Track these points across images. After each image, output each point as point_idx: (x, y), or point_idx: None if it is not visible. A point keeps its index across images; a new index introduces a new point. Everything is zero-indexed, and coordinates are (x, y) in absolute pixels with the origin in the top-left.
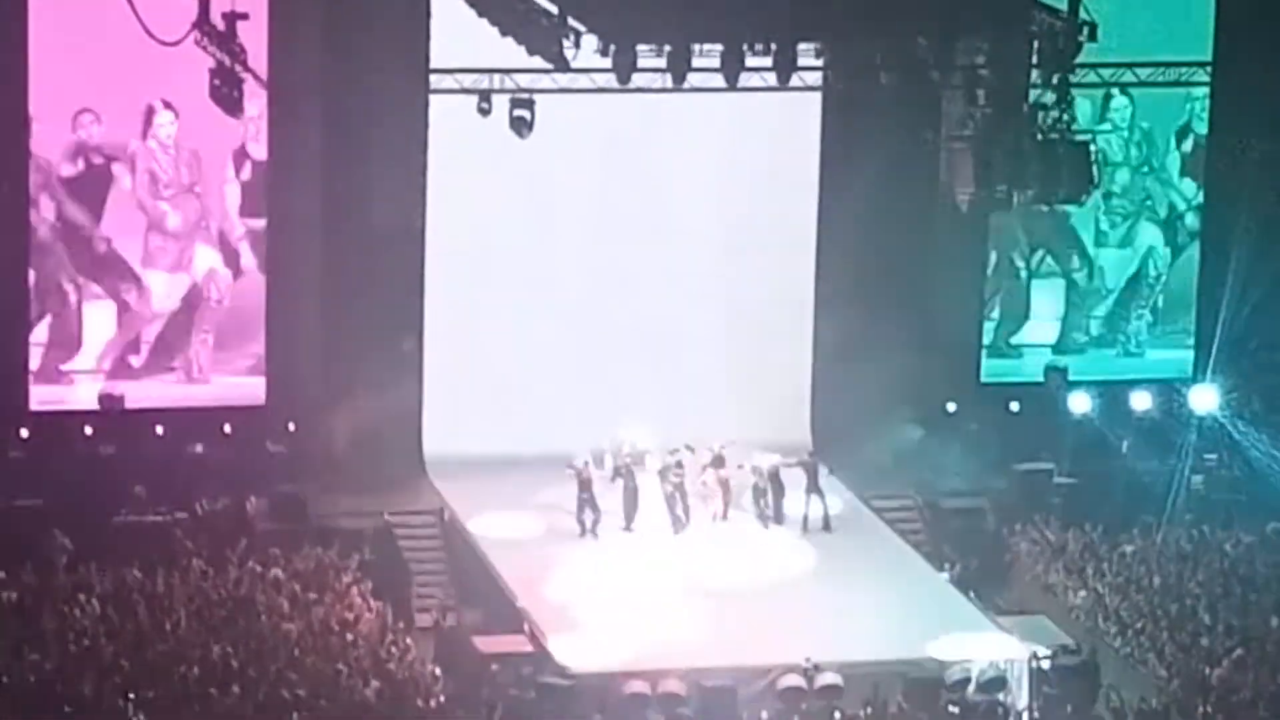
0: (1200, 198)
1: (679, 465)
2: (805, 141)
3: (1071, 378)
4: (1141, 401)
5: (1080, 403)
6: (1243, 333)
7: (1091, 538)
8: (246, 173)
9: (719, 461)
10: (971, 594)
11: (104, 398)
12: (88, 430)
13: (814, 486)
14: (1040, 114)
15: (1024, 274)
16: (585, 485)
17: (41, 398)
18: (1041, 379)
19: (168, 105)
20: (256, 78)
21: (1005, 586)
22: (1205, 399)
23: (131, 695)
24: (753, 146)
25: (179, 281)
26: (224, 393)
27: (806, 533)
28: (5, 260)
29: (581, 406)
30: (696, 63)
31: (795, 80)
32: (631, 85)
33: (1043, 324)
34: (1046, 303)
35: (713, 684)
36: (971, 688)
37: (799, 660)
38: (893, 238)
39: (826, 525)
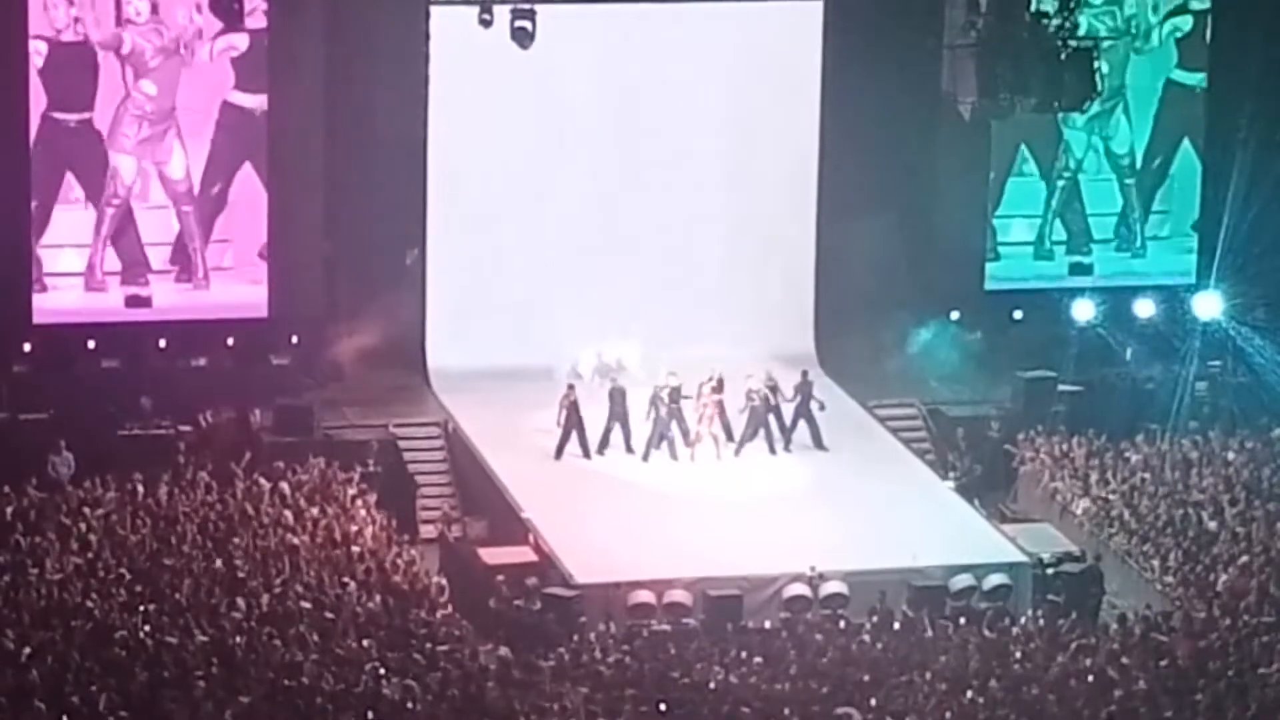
0: (1203, 93)
1: (671, 392)
2: (807, 51)
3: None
4: (1145, 308)
5: (1083, 310)
6: (1246, 237)
7: (1096, 445)
8: (246, 81)
9: (719, 385)
10: (976, 502)
11: (130, 298)
12: (90, 344)
13: (807, 406)
14: (1042, 21)
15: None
16: (574, 407)
17: (45, 310)
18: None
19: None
20: None
21: (1010, 494)
22: (1209, 305)
23: (138, 609)
24: (755, 56)
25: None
26: (226, 304)
27: (806, 447)
28: (5, 171)
29: (585, 318)
30: None
31: None
32: None
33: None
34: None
35: (718, 593)
36: (976, 596)
37: (804, 570)
38: (895, 147)
39: (820, 443)
